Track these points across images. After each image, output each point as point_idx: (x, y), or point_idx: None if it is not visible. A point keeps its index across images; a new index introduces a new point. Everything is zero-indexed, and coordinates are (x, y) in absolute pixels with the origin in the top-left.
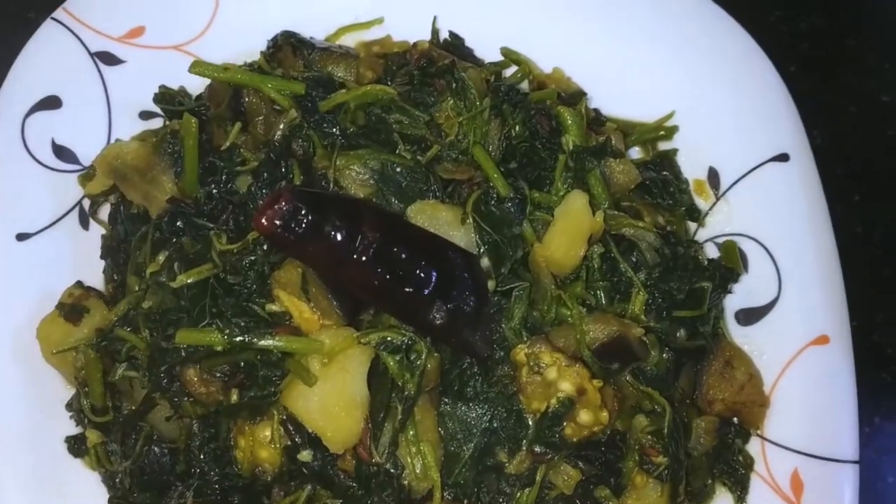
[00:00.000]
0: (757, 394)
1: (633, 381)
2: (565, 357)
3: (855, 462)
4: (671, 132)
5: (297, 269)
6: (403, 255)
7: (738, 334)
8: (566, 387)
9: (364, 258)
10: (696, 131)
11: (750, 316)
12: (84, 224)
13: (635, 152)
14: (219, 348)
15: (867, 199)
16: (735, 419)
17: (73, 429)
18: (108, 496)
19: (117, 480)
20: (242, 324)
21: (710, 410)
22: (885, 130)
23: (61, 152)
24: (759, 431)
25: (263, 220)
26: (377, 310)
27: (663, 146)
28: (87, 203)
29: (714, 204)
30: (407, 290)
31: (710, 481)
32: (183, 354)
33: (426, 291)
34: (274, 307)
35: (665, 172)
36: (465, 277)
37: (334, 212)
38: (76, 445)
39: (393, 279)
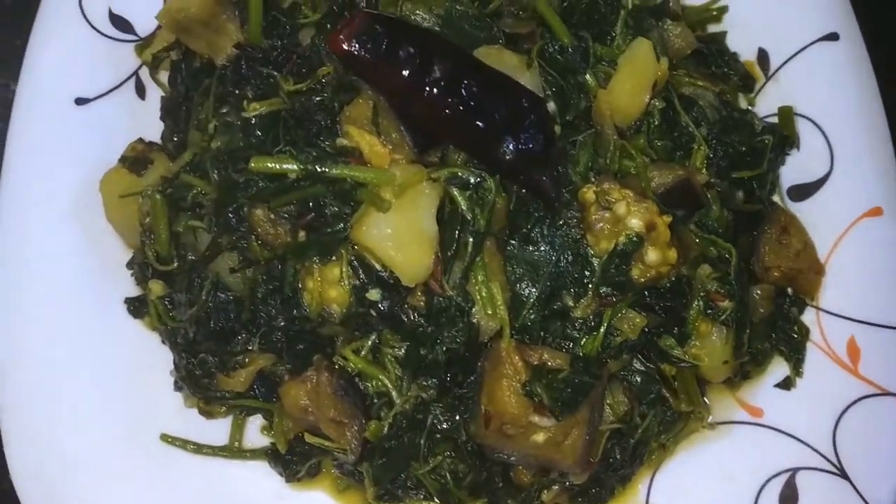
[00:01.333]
0: (813, 261)
1: (697, 231)
2: (634, 193)
3: None
4: (721, 13)
5: (368, 103)
6: (475, 89)
7: (792, 210)
8: (635, 223)
9: (436, 88)
10: (745, 13)
11: (802, 192)
12: (141, 94)
13: None
14: (293, 176)
15: None
16: (790, 289)
17: (133, 291)
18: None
19: (180, 335)
20: (314, 154)
21: (766, 278)
22: None
23: (118, 21)
24: (813, 301)
25: (341, 38)
26: (446, 149)
27: (712, 29)
28: (144, 73)
29: (764, 84)
30: (478, 122)
31: (766, 345)
32: (253, 190)
33: (496, 126)
34: (344, 142)
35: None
36: (533, 117)
37: (408, 37)
38: (136, 306)
39: (465, 110)
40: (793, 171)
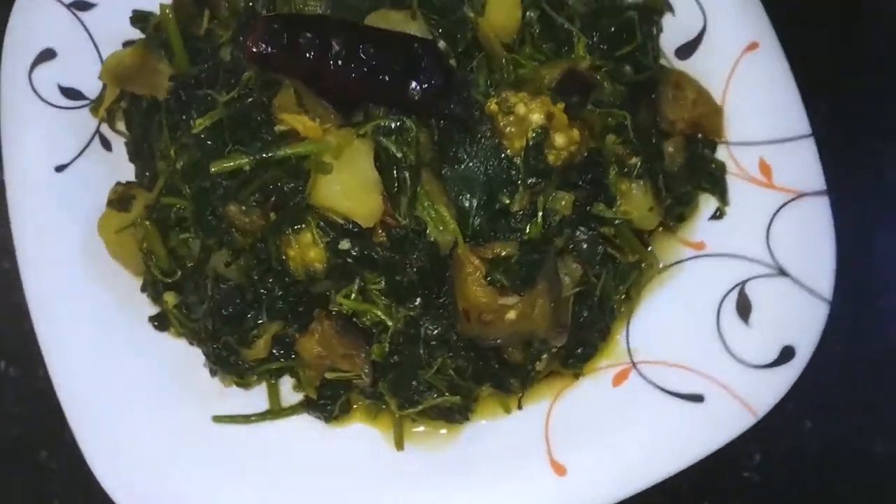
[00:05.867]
0: (710, 105)
1: (595, 108)
2: (528, 94)
3: (809, 136)
4: None
5: (290, 90)
6: (371, 50)
7: (684, 67)
8: (536, 117)
9: (339, 61)
10: None
11: (687, 49)
12: (106, 147)
13: None
14: (247, 168)
15: None
16: (699, 135)
17: (153, 310)
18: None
19: (202, 330)
20: (259, 145)
21: (673, 131)
22: None
23: (69, 93)
24: (721, 139)
25: (249, 45)
26: (367, 107)
27: None
28: (104, 129)
29: None
30: (382, 78)
31: (690, 188)
32: (221, 192)
33: (399, 75)
34: (282, 127)
35: None
36: (428, 59)
37: (304, 26)
38: (159, 322)
39: (368, 71)
40: (675, 33)
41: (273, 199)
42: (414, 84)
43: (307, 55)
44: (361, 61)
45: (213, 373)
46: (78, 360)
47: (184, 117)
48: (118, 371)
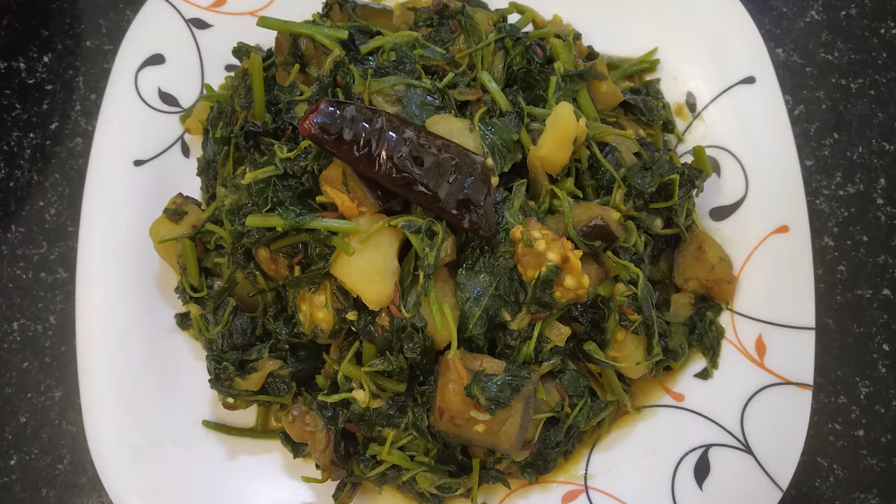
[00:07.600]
0: (726, 273)
1: (613, 257)
2: (552, 233)
3: (811, 329)
4: (654, 64)
5: (339, 168)
6: (422, 159)
7: (713, 228)
8: (552, 256)
9: (386, 163)
10: (674, 63)
11: (722, 212)
12: (185, 153)
13: (625, 83)
14: (279, 229)
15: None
16: (707, 296)
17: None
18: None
19: (213, 346)
20: (297, 210)
21: (685, 287)
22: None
23: (166, 98)
24: (728, 305)
25: (305, 124)
26: (405, 197)
27: (649, 78)
28: (187, 137)
29: (691, 123)
30: (423, 188)
31: (686, 345)
32: (255, 237)
33: (441, 187)
34: (322, 199)
35: (648, 96)
36: (473, 173)
37: (362, 118)
38: (183, 320)
39: (412, 178)
40: (714, 195)
41: (300, 257)
42: (454, 196)
43: (355, 150)
44: (409, 170)
45: (210, 384)
46: (106, 334)
47: (248, 154)
48: (139, 353)
